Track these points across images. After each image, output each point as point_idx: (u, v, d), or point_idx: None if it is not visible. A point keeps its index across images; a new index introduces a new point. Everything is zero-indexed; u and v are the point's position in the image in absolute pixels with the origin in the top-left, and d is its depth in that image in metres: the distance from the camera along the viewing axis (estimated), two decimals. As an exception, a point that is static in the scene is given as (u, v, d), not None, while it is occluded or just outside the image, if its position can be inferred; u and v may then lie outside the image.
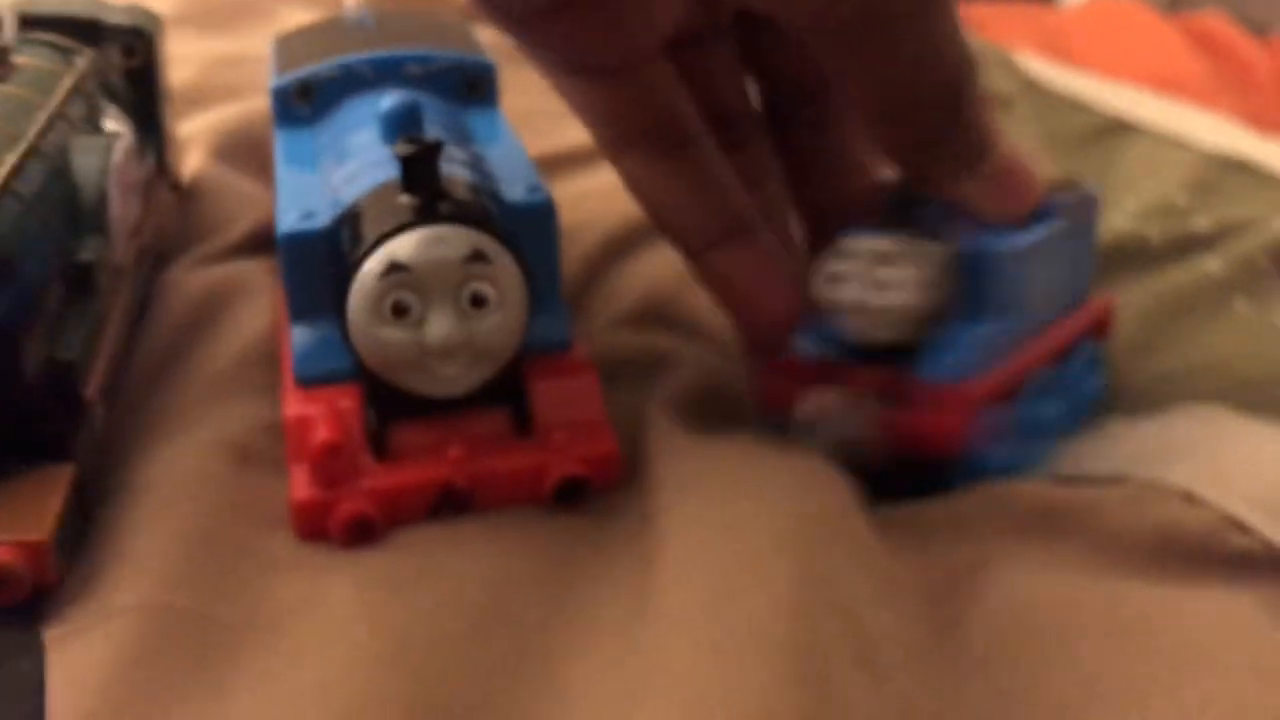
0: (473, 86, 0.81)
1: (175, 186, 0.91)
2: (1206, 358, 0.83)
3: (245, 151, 1.00)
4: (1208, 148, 1.16)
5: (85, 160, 0.69)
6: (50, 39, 0.80)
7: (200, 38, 1.31)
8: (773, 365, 0.74)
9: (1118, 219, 1.01)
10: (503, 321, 0.62)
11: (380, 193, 0.64)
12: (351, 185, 0.68)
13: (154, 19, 0.86)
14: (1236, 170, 1.13)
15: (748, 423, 0.73)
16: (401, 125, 0.70)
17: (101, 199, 0.69)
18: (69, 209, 0.67)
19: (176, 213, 0.90)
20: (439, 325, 0.60)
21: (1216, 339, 0.86)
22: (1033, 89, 1.32)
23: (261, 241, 0.87)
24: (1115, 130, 1.24)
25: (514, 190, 0.69)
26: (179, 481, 0.63)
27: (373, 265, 0.60)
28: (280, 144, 0.79)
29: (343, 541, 0.61)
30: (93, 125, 0.76)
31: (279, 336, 0.76)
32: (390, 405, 0.64)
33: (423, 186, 0.62)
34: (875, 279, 0.68)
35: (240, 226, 0.89)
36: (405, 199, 0.62)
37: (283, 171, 0.75)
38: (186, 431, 0.67)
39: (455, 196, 0.62)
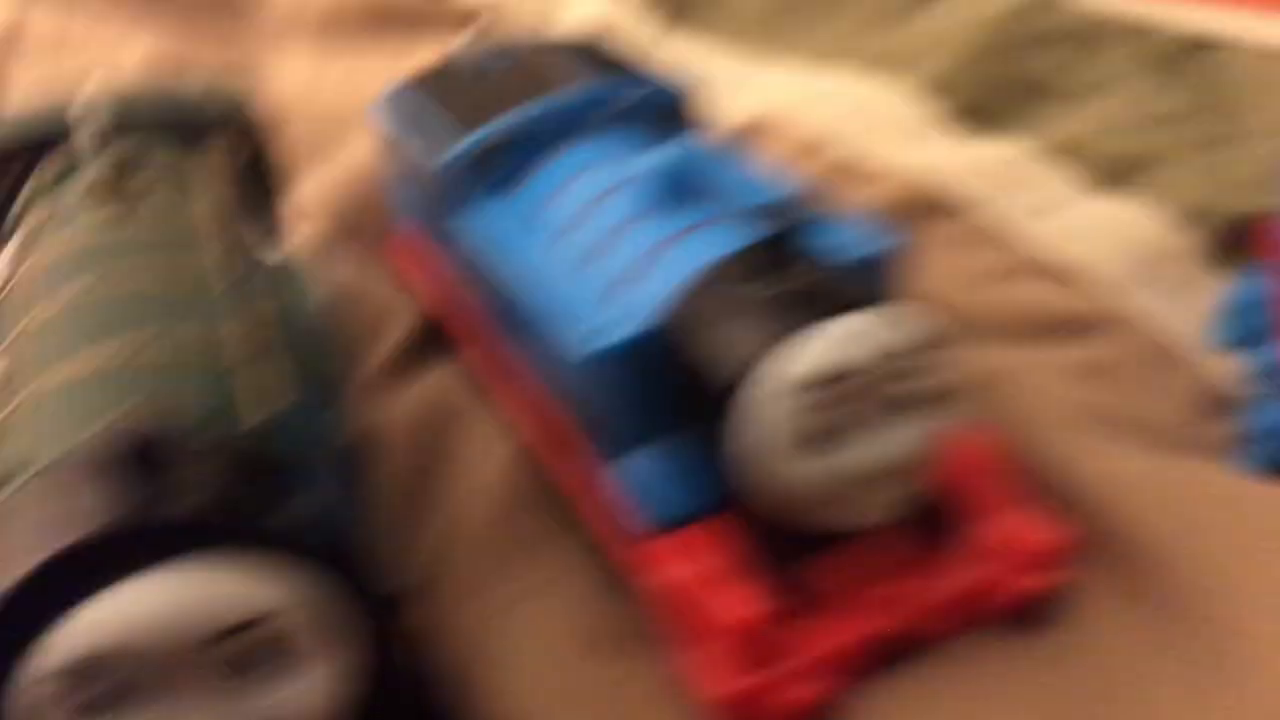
0: (668, 115, 0.67)
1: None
2: None
3: (351, 225, 0.84)
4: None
5: (298, 307, 0.53)
6: (155, 146, 0.62)
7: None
8: None
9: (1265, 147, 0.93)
10: (922, 425, 0.49)
11: (716, 283, 0.50)
12: (645, 277, 0.53)
13: (247, 101, 0.69)
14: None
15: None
16: (677, 188, 0.56)
17: (331, 348, 0.53)
18: (309, 377, 0.50)
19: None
20: (874, 445, 0.47)
21: None
22: (1105, 25, 1.23)
23: (418, 351, 0.72)
24: (1199, 49, 1.17)
25: (852, 243, 0.55)
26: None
27: (781, 381, 0.46)
28: (465, 229, 0.63)
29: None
30: (254, 254, 0.59)
31: (542, 466, 0.61)
32: (781, 544, 0.51)
33: (788, 272, 0.48)
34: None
35: (392, 338, 0.73)
36: (767, 290, 0.48)
37: (495, 266, 0.60)
38: (514, 625, 0.53)
39: (828, 277, 0.49)
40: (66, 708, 0.36)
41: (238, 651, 0.36)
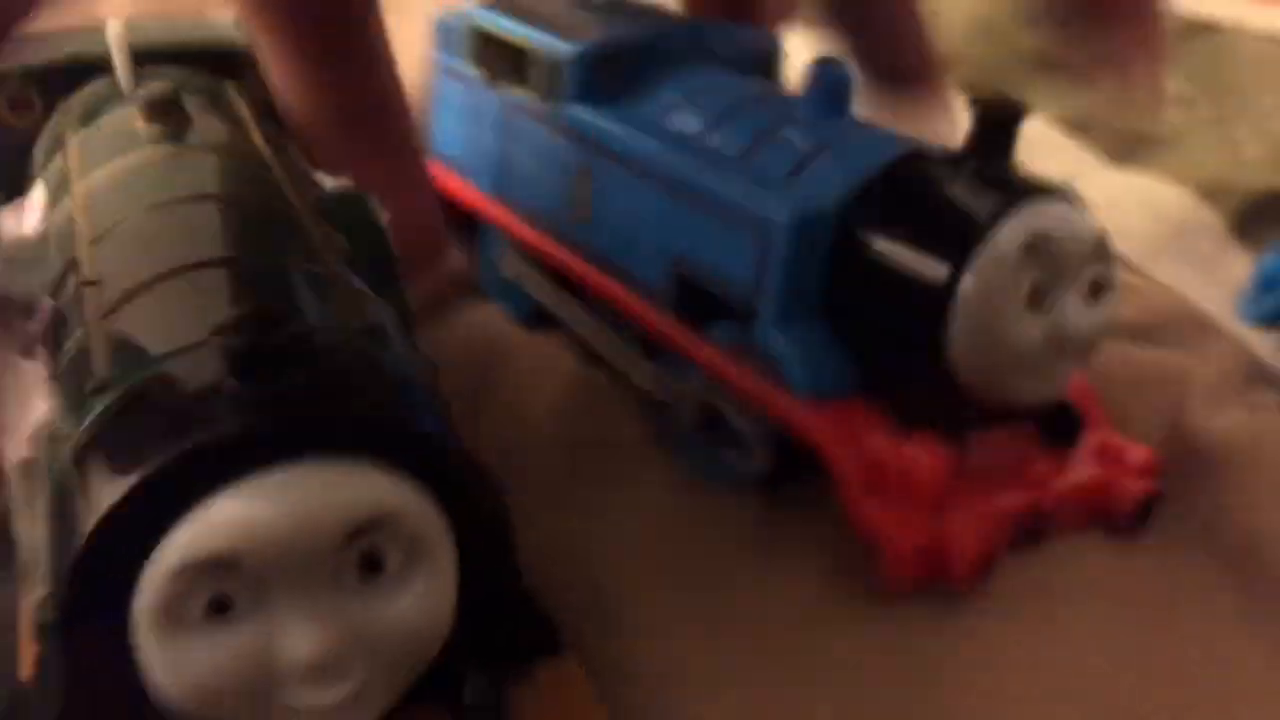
0: (761, 63, 0.68)
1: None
2: None
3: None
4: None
5: (364, 224, 0.51)
6: (190, 77, 0.59)
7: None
8: None
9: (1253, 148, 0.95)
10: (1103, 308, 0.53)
11: (930, 165, 0.53)
12: (826, 165, 0.55)
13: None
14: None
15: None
16: (836, 95, 0.59)
17: (396, 273, 0.51)
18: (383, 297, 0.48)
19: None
20: (1075, 315, 0.50)
21: None
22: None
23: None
24: (1202, 32, 1.18)
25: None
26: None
27: (1009, 241, 0.48)
28: (597, 119, 0.63)
29: (969, 579, 0.50)
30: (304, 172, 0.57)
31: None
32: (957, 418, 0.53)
33: (1003, 156, 0.51)
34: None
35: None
36: (986, 169, 0.51)
37: (649, 153, 0.60)
38: (608, 524, 0.54)
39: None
40: (198, 605, 0.34)
41: (368, 553, 0.35)
